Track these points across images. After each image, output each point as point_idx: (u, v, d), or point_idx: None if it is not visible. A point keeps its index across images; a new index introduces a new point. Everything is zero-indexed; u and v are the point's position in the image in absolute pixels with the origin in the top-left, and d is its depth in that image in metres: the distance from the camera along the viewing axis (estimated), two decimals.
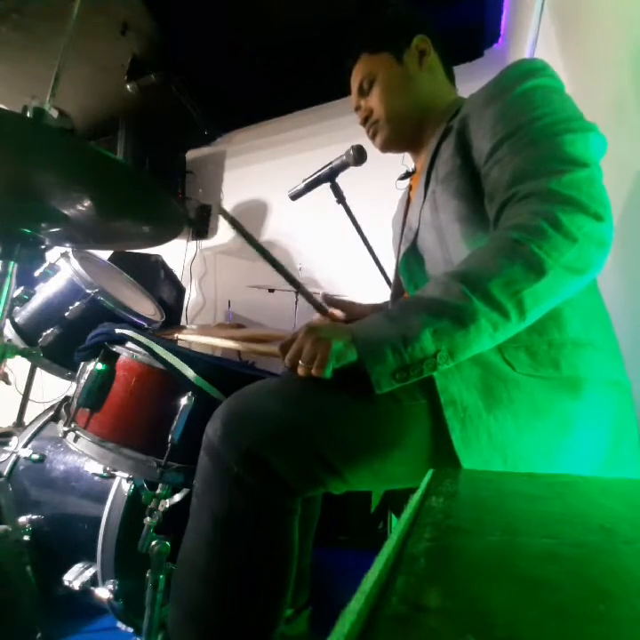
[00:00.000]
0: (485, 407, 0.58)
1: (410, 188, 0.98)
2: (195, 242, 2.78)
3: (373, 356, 0.55)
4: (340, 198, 1.24)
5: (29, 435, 1.14)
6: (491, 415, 0.57)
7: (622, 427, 0.61)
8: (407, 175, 0.99)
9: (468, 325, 0.53)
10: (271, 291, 1.92)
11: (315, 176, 1.23)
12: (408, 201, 0.95)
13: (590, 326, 0.64)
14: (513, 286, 0.53)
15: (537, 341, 0.61)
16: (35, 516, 1.02)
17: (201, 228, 2.77)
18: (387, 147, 0.90)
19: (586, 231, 0.53)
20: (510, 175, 0.61)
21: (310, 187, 1.25)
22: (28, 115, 0.92)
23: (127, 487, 0.94)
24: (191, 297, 2.64)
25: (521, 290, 0.53)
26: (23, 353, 0.97)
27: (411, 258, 0.79)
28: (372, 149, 0.99)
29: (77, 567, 0.95)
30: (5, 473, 1.07)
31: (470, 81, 0.95)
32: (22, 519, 1.00)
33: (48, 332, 1.16)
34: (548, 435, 0.58)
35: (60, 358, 1.19)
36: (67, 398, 1.03)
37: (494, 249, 0.56)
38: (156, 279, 2.10)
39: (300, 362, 0.59)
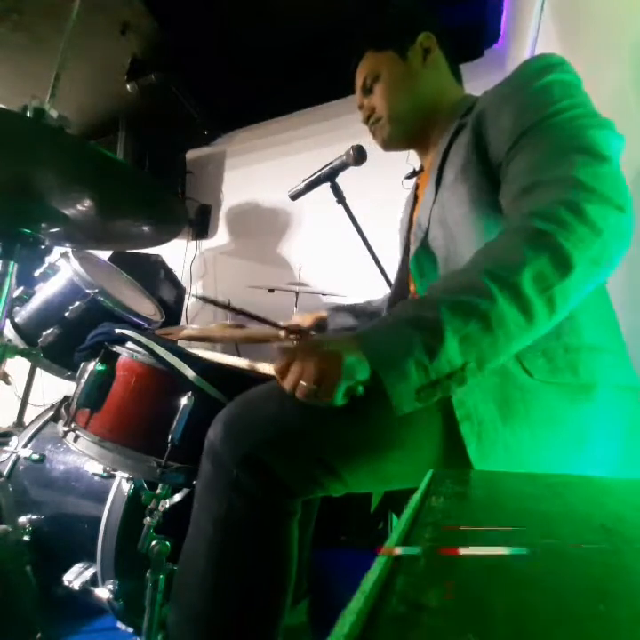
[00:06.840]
0: (501, 419, 0.56)
1: (416, 186, 0.96)
2: (195, 242, 2.78)
3: (394, 372, 0.47)
4: (340, 198, 1.24)
5: (29, 435, 1.14)
6: (507, 427, 0.56)
7: (636, 431, 0.60)
8: (414, 174, 0.97)
9: (495, 330, 0.48)
10: (271, 291, 1.91)
11: (315, 176, 1.23)
12: (415, 200, 0.93)
13: (603, 330, 0.63)
14: (543, 282, 0.48)
15: (554, 345, 0.59)
16: (35, 516, 1.02)
17: (201, 228, 2.77)
18: (389, 145, 0.89)
19: (610, 223, 0.50)
20: (530, 163, 0.58)
21: (310, 187, 1.24)
22: (28, 114, 0.92)
23: (127, 487, 0.94)
24: (191, 297, 2.64)
25: (551, 286, 0.48)
26: (23, 353, 0.97)
27: (422, 257, 0.76)
28: (372, 149, 0.98)
29: (77, 567, 0.95)
30: (5, 473, 1.06)
31: (470, 80, 0.95)
32: (22, 519, 1.00)
33: (48, 331, 1.16)
34: (564, 442, 0.57)
35: (60, 358, 1.19)
36: (66, 398, 1.03)
37: (517, 239, 0.51)
38: (156, 279, 2.10)
39: (301, 382, 0.52)
